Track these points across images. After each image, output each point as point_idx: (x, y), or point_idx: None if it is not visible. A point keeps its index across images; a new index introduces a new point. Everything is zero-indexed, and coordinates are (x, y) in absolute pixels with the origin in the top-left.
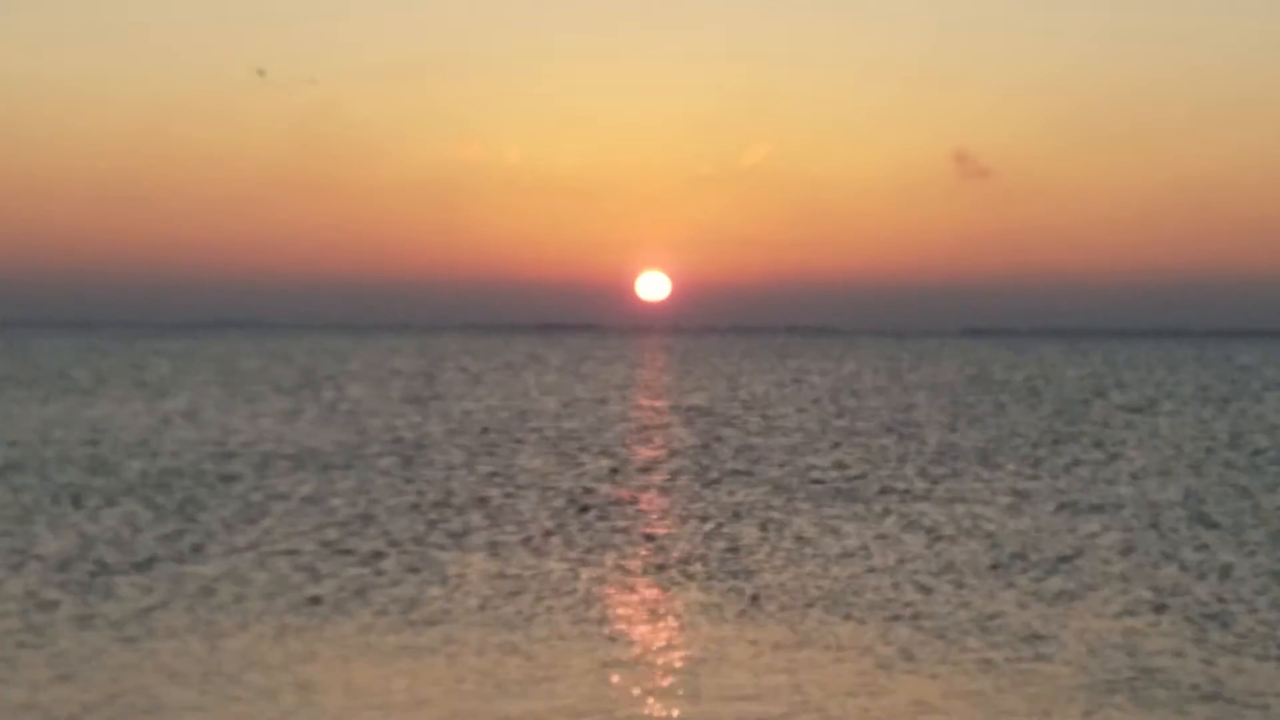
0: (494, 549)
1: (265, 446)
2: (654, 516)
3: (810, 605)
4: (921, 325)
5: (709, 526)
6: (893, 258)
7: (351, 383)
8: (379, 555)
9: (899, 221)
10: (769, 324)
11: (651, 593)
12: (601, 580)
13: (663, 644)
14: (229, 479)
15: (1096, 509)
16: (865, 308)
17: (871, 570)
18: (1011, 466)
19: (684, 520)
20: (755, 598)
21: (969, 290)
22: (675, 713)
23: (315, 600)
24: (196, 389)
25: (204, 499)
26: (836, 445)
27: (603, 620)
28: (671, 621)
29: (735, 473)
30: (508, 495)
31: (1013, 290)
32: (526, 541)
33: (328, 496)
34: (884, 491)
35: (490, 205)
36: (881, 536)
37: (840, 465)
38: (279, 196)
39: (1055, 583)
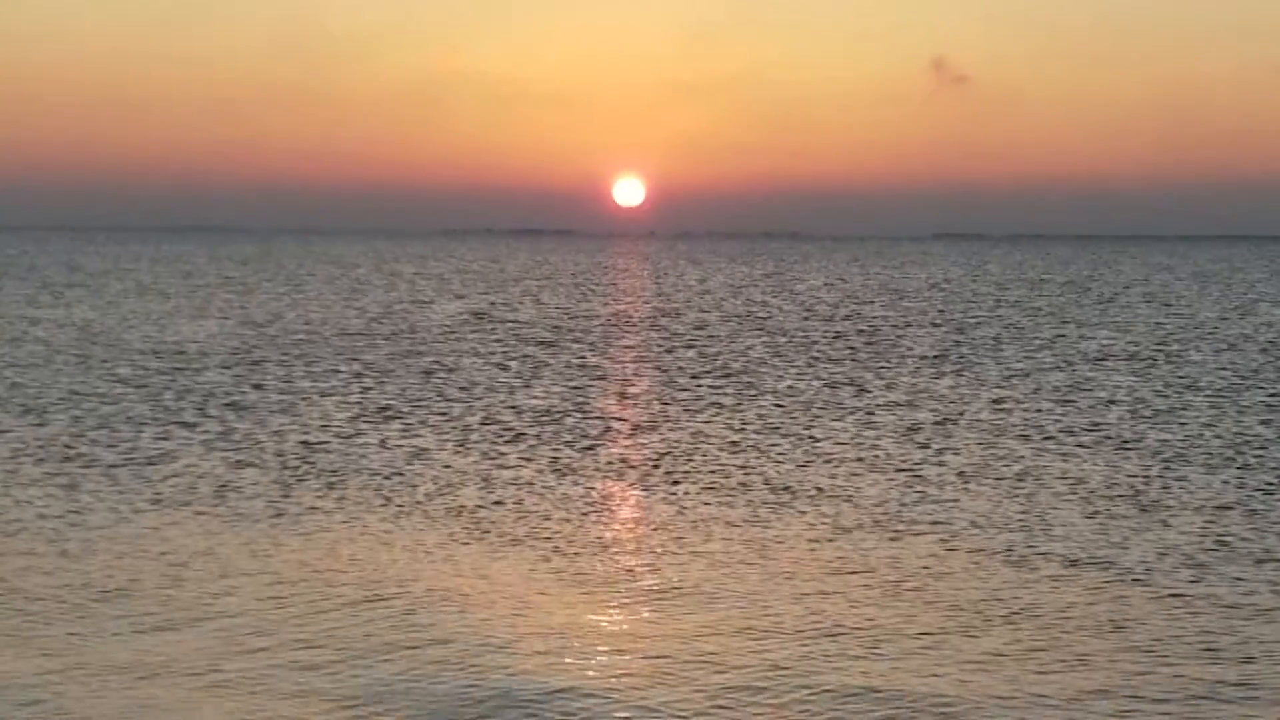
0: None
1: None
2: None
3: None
4: (897, 230)
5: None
6: (870, 164)
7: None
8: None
9: (876, 129)
10: (745, 230)
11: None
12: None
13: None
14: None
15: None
16: (841, 214)
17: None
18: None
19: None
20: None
21: (943, 196)
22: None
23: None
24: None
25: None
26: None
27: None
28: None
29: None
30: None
31: (987, 196)
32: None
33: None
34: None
35: (470, 114)
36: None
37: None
38: (259, 102)
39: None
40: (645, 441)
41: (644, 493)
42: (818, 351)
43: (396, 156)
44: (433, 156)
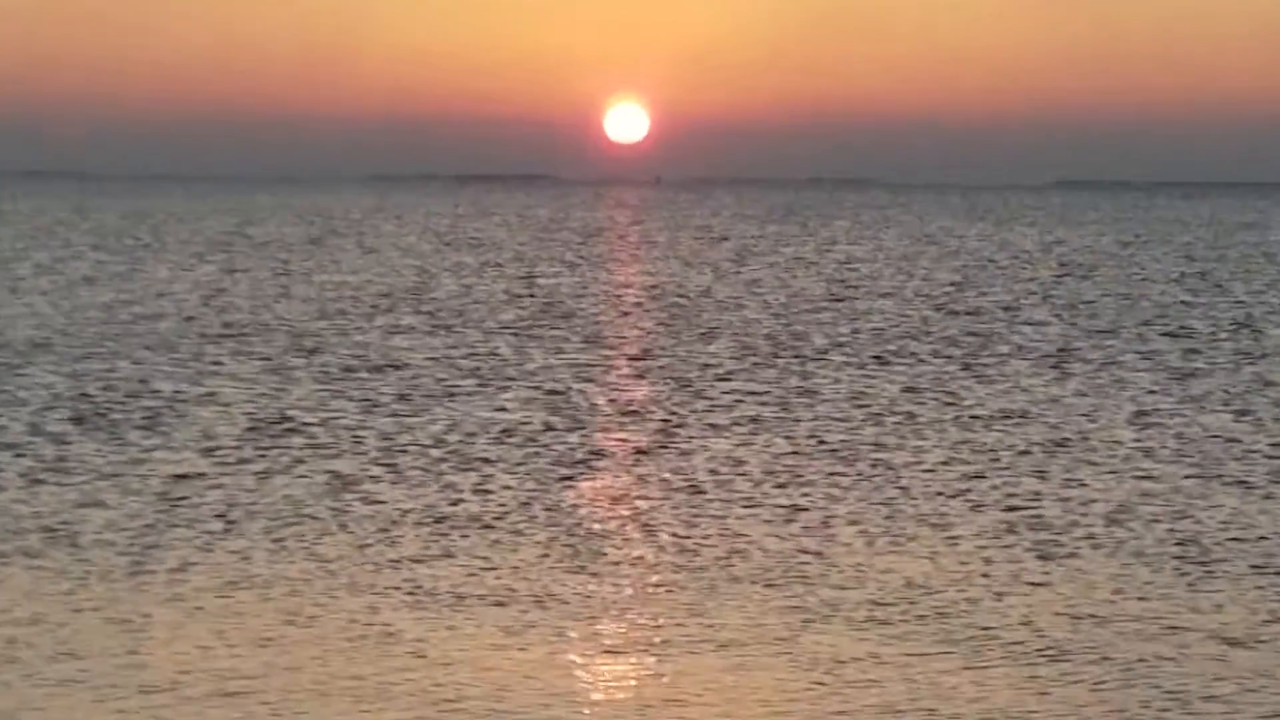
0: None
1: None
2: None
3: None
4: (1004, 176)
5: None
6: (965, 86)
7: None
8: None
9: (975, 37)
10: (788, 174)
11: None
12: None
13: None
14: None
15: None
16: (925, 154)
17: None
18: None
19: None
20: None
21: (1069, 131)
22: None
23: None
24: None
25: None
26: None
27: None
28: None
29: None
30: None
31: (1130, 131)
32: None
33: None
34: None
35: (402, 14)
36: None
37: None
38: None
39: None
40: (650, 472)
41: (647, 544)
42: (894, 344)
43: (299, 74)
44: (351, 74)
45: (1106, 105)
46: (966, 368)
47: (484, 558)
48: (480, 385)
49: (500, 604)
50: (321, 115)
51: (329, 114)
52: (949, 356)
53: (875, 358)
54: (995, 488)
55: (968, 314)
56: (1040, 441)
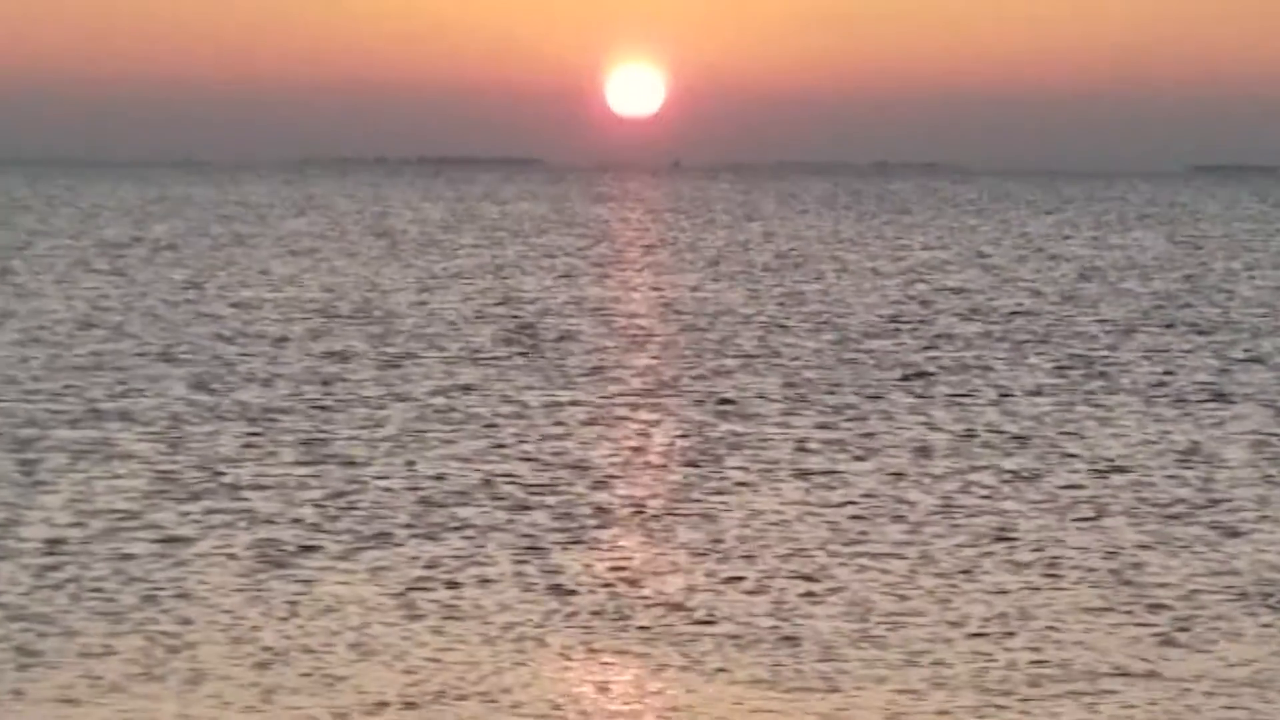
0: None
1: None
2: None
3: None
4: (1120, 161)
5: None
6: (1069, 48)
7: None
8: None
9: None
10: (840, 157)
11: None
12: None
13: None
14: None
15: None
16: (1019, 132)
17: None
18: None
19: None
20: None
21: (1208, 105)
22: None
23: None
24: None
25: None
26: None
27: None
28: None
29: None
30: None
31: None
32: None
33: None
34: None
35: None
36: None
37: None
38: None
39: None
40: (669, 535)
41: (668, 647)
42: (975, 374)
43: (237, 40)
44: (304, 39)
45: (1241, 77)
46: (1063, 406)
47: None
48: (453, 431)
49: None
50: (264, 87)
51: (272, 86)
52: (1057, 394)
53: (952, 396)
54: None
55: (1073, 338)
56: (1165, 498)
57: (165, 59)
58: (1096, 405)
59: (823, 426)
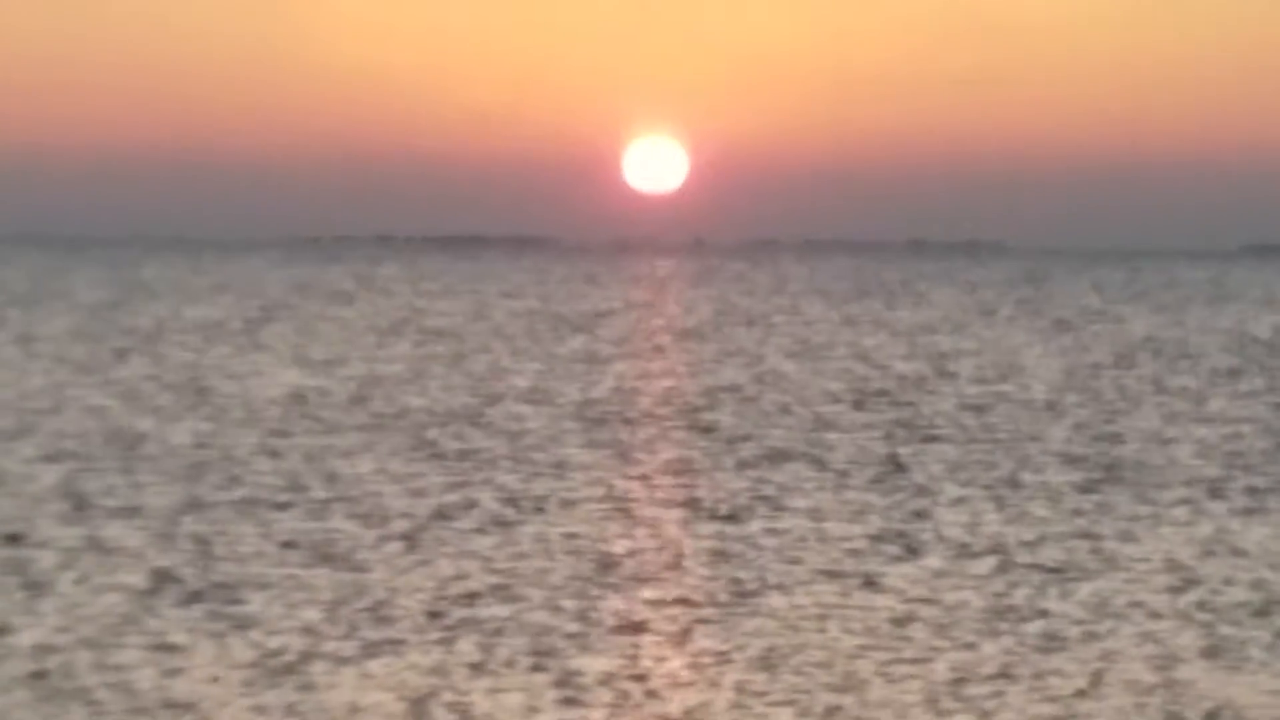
0: None
1: None
2: None
3: None
4: (1170, 238)
5: None
6: (1117, 113)
7: None
8: None
9: (1127, 52)
10: (874, 235)
11: None
12: None
13: None
14: None
15: None
16: (1058, 207)
17: None
18: None
19: None
20: None
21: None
22: None
23: None
24: None
25: None
26: None
27: None
28: None
29: None
30: None
31: None
32: None
33: None
34: None
35: (354, 16)
36: None
37: None
38: None
39: None
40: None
41: None
42: (1022, 479)
43: (216, 96)
44: (286, 99)
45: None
46: (1108, 512)
47: None
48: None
49: None
50: (244, 153)
51: (253, 152)
52: (1092, 493)
53: (994, 497)
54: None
55: (1108, 434)
56: (1222, 605)
57: (150, 128)
58: (1140, 506)
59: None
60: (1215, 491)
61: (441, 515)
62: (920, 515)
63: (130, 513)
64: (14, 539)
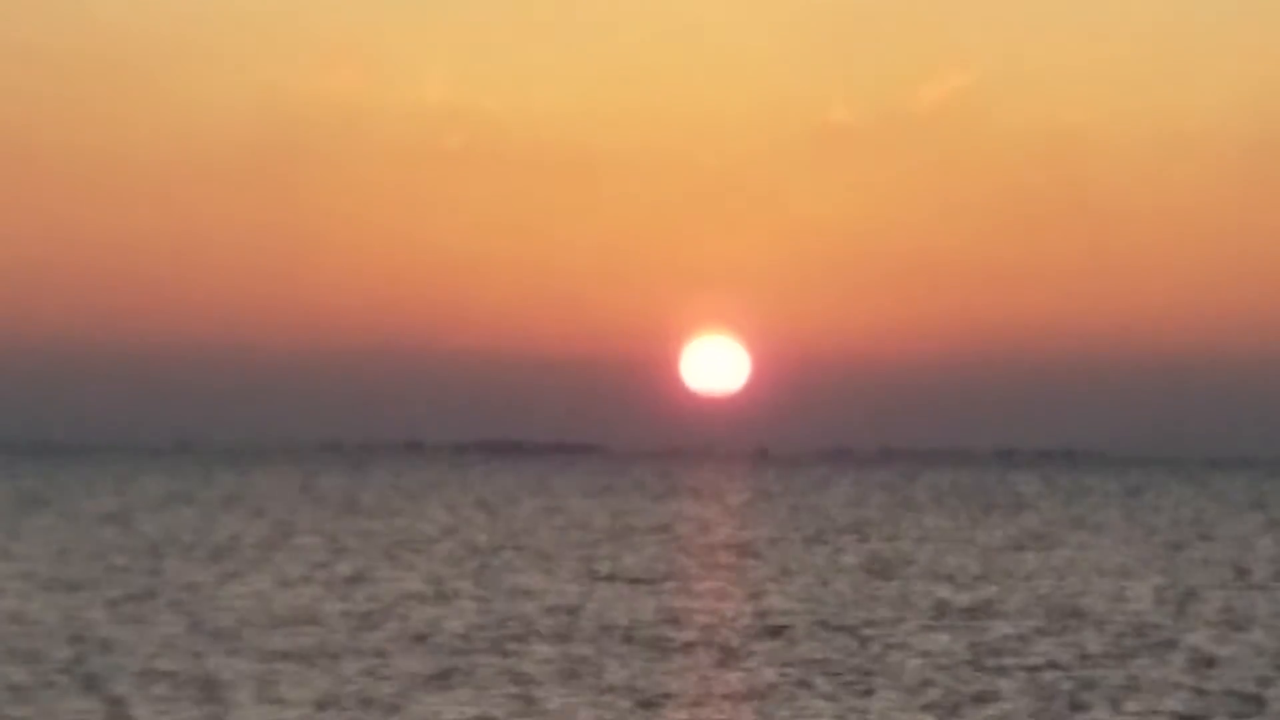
0: None
1: None
2: None
3: None
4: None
5: None
6: (1236, 296)
7: None
8: None
9: (1242, 211)
10: (963, 444)
11: None
12: None
13: None
14: None
15: None
16: (1177, 413)
17: None
18: None
19: None
20: None
21: None
22: None
23: None
24: None
25: None
26: None
27: None
28: None
29: None
30: None
31: None
32: None
33: None
34: None
35: (386, 186)
36: None
37: None
38: None
39: None
40: None
41: None
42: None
43: (233, 285)
44: (304, 283)
45: None
46: None
47: None
48: None
49: None
50: (257, 346)
51: (267, 346)
52: None
53: None
54: None
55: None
56: None
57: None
58: None
59: None
60: None
61: None
62: None
63: None
64: None
